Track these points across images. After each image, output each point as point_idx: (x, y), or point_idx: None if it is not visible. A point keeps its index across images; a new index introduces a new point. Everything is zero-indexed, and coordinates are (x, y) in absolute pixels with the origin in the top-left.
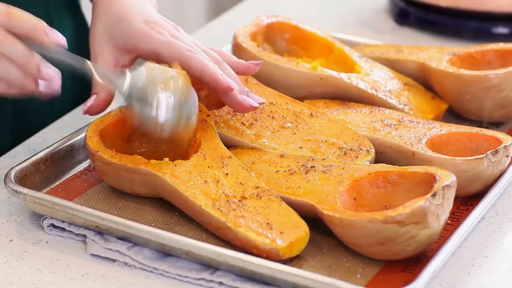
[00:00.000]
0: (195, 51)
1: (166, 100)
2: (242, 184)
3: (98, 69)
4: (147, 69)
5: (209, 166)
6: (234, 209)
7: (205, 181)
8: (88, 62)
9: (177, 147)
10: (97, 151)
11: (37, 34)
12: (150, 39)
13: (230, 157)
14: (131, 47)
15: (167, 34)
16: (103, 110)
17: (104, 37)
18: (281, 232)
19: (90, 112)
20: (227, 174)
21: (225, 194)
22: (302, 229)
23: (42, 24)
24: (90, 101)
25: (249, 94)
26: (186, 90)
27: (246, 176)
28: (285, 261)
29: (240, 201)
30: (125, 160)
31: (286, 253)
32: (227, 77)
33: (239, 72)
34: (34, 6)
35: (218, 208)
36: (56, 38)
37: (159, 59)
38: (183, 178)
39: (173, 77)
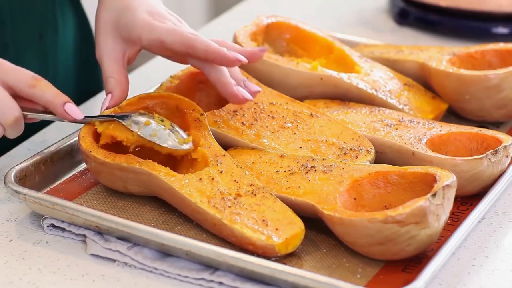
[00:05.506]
0: (198, 34)
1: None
2: (237, 182)
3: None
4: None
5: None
6: (230, 206)
7: (200, 179)
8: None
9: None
10: (91, 151)
11: (56, 108)
12: (153, 29)
13: (224, 155)
14: (135, 38)
15: (169, 23)
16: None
17: (109, 26)
18: (276, 229)
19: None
20: (221, 172)
21: (220, 192)
22: (297, 226)
23: (61, 99)
24: (106, 102)
25: (246, 83)
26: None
27: (240, 174)
28: (285, 261)
29: (235, 198)
30: (119, 159)
31: (282, 250)
32: (233, 52)
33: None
34: (41, 2)
35: (214, 205)
36: (74, 114)
37: (163, 47)
38: (178, 176)
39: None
